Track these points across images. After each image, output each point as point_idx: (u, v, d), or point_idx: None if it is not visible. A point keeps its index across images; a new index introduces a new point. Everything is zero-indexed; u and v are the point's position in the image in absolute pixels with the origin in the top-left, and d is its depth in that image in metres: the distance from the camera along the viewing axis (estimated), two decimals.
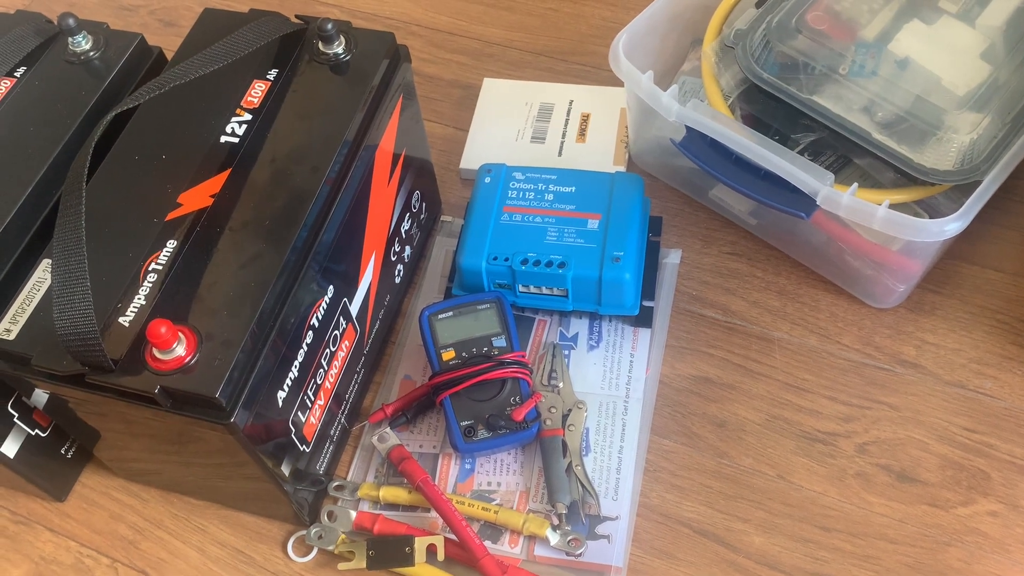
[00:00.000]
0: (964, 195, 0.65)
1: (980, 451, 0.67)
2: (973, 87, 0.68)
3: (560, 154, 0.85)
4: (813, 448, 0.69)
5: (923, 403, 0.70)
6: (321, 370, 0.63)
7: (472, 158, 0.86)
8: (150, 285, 0.56)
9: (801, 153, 0.69)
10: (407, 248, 0.77)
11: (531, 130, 0.87)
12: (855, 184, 0.65)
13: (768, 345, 0.74)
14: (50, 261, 0.57)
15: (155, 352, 0.52)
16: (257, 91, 0.65)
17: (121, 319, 0.54)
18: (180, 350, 0.52)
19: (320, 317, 0.61)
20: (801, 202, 0.67)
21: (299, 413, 0.61)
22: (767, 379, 0.72)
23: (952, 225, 0.62)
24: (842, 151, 0.72)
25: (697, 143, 0.72)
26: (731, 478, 0.68)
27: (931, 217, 0.68)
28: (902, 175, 0.68)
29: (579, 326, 0.75)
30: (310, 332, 0.60)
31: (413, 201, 0.76)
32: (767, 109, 0.72)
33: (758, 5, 0.74)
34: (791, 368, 0.73)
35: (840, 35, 0.71)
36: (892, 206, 0.64)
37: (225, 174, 0.61)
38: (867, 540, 0.65)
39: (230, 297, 0.55)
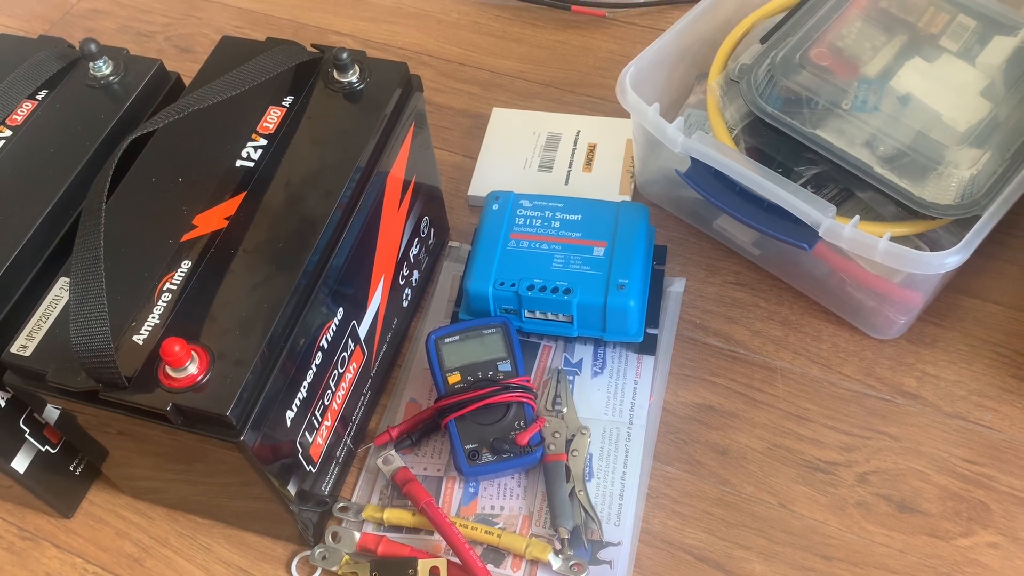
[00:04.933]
0: (964, 229, 0.66)
1: (980, 483, 0.68)
2: (973, 123, 0.70)
3: (567, 183, 0.87)
4: (814, 477, 0.69)
5: (924, 434, 0.71)
6: (329, 391, 0.64)
7: (480, 185, 0.87)
8: (164, 304, 0.57)
9: (804, 186, 0.71)
10: (415, 272, 0.78)
11: (538, 159, 0.89)
12: (857, 216, 0.67)
13: (770, 374, 0.75)
14: (67, 279, 0.58)
15: (168, 370, 0.53)
16: (273, 117, 0.66)
17: (135, 337, 0.55)
18: (192, 368, 0.53)
19: (329, 339, 0.62)
20: (804, 233, 0.68)
21: (306, 434, 0.62)
22: (769, 408, 0.73)
23: (952, 258, 0.63)
24: (844, 184, 0.73)
25: (702, 174, 0.73)
26: (733, 506, 0.68)
27: (932, 250, 0.69)
28: (903, 208, 0.69)
29: (583, 352, 0.76)
30: (319, 354, 0.61)
31: (422, 227, 0.77)
32: (771, 142, 0.74)
33: (763, 41, 0.76)
34: (793, 397, 0.73)
35: (843, 71, 0.73)
36: (893, 239, 0.65)
37: (240, 197, 0.62)
38: (867, 569, 0.65)
39: (242, 317, 0.56)
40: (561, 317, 0.74)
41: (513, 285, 0.73)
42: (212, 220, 0.61)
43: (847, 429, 0.71)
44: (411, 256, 0.76)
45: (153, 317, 0.56)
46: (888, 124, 0.70)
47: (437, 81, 0.98)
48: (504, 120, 0.92)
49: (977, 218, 0.66)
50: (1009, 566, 0.64)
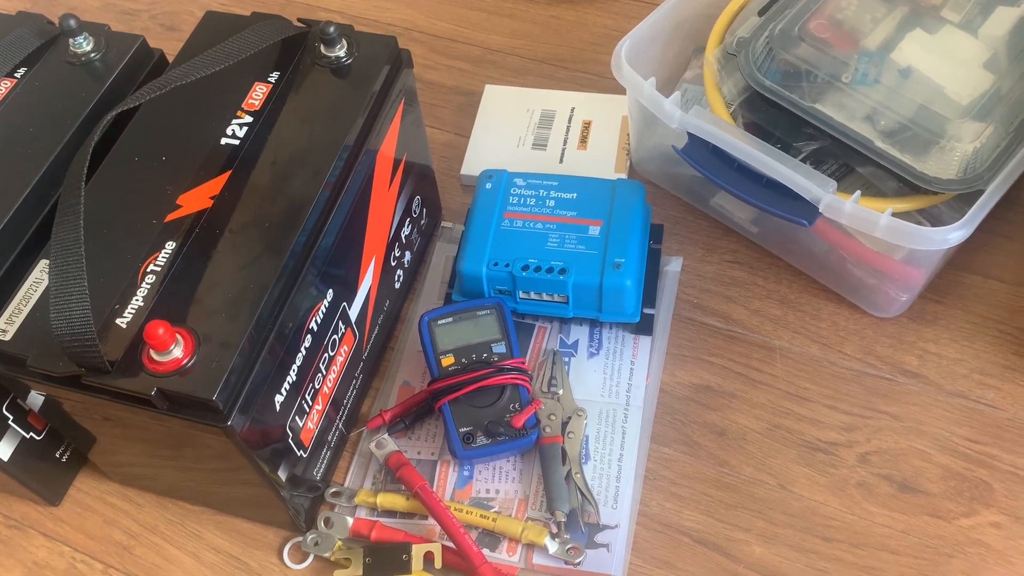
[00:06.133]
0: (967, 204, 0.64)
1: (982, 462, 0.67)
2: (976, 96, 0.68)
3: (561, 161, 0.85)
4: (814, 457, 0.68)
5: (925, 413, 0.70)
6: (319, 375, 0.63)
7: (473, 164, 0.86)
8: (148, 286, 0.55)
9: (803, 161, 0.69)
10: (407, 253, 0.76)
11: (532, 137, 0.87)
12: (858, 192, 0.65)
13: (769, 354, 0.73)
14: (48, 261, 0.56)
15: (152, 354, 0.52)
16: (258, 93, 0.65)
17: (118, 320, 0.54)
18: (177, 352, 0.52)
19: (319, 321, 0.61)
20: (803, 210, 0.67)
21: (296, 418, 0.61)
22: (768, 388, 0.72)
23: (955, 234, 0.62)
24: (844, 160, 0.72)
25: (699, 150, 0.72)
26: (732, 487, 0.67)
27: (933, 226, 0.67)
28: (905, 184, 0.67)
29: (579, 333, 0.75)
30: (308, 336, 0.60)
31: (414, 206, 0.76)
32: (769, 117, 0.72)
33: (761, 13, 0.74)
34: (792, 377, 0.72)
35: (843, 44, 0.71)
36: (895, 215, 0.63)
37: (225, 176, 0.60)
38: (869, 551, 0.64)
39: (229, 299, 0.55)
40: (556, 297, 0.72)
41: (507, 265, 0.71)
42: (197, 199, 0.59)
43: (847, 409, 0.70)
44: (403, 236, 0.74)
45: (137, 300, 0.55)
46: (889, 97, 0.69)
47: (428, 58, 0.96)
48: (497, 97, 0.91)
49: (980, 193, 0.64)
50: (1012, 546, 0.63)
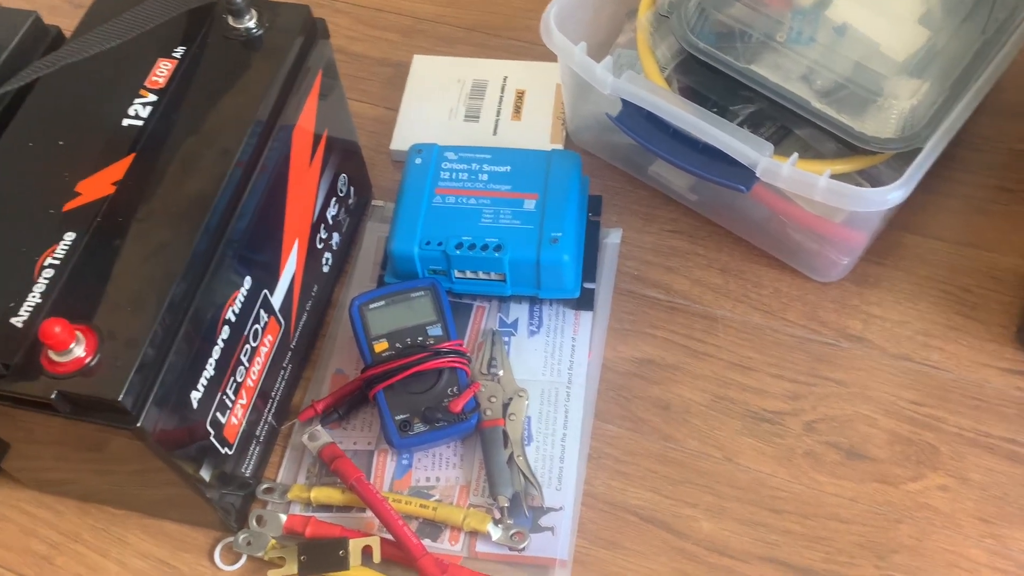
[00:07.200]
0: (905, 164, 0.63)
1: (928, 424, 0.66)
2: (912, 52, 0.67)
3: (495, 133, 0.82)
4: (760, 428, 0.67)
5: (870, 378, 0.68)
6: (241, 367, 0.59)
7: (403, 139, 0.82)
8: (46, 282, 0.51)
9: (740, 125, 0.67)
10: (335, 235, 0.73)
11: (464, 108, 0.84)
12: (795, 154, 0.63)
13: (711, 324, 0.72)
14: None
15: (51, 354, 0.48)
16: (163, 70, 0.60)
17: (13, 320, 0.50)
18: (79, 351, 0.48)
19: (237, 310, 0.58)
20: (740, 175, 0.65)
21: (218, 414, 0.58)
22: (711, 359, 0.70)
23: (895, 193, 0.61)
24: (782, 122, 0.70)
25: (633, 117, 0.69)
26: (677, 462, 0.66)
27: (873, 188, 0.66)
28: (843, 145, 0.66)
29: (519, 311, 0.73)
30: (226, 327, 0.57)
31: (339, 185, 0.72)
32: (704, 80, 0.70)
33: None
34: (735, 346, 0.71)
35: (776, 2, 0.69)
36: (833, 176, 0.62)
37: (128, 160, 0.56)
38: (818, 521, 0.63)
39: (134, 292, 0.51)
40: (493, 276, 0.70)
41: (440, 244, 0.69)
42: (98, 186, 0.55)
43: (792, 376, 0.69)
44: (329, 217, 0.71)
45: (34, 296, 0.51)
46: (825, 56, 0.67)
47: (354, 29, 0.92)
48: (426, 68, 0.87)
49: (918, 152, 0.63)
50: (959, 508, 0.63)
